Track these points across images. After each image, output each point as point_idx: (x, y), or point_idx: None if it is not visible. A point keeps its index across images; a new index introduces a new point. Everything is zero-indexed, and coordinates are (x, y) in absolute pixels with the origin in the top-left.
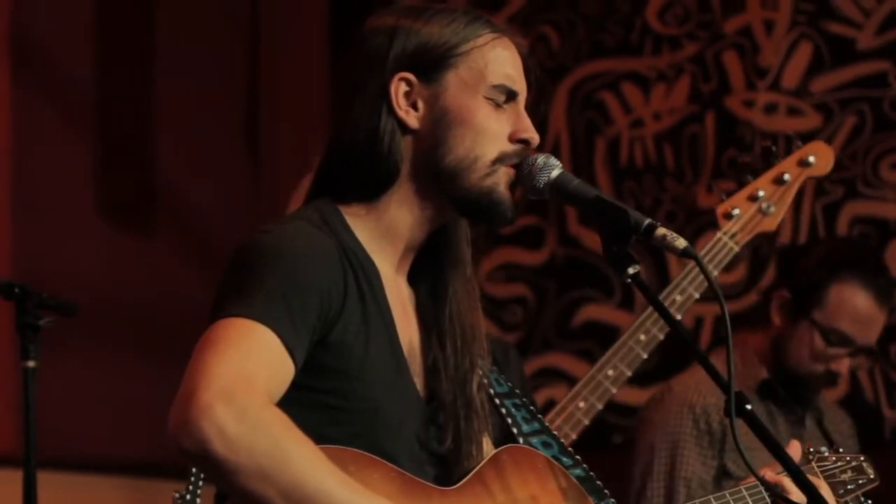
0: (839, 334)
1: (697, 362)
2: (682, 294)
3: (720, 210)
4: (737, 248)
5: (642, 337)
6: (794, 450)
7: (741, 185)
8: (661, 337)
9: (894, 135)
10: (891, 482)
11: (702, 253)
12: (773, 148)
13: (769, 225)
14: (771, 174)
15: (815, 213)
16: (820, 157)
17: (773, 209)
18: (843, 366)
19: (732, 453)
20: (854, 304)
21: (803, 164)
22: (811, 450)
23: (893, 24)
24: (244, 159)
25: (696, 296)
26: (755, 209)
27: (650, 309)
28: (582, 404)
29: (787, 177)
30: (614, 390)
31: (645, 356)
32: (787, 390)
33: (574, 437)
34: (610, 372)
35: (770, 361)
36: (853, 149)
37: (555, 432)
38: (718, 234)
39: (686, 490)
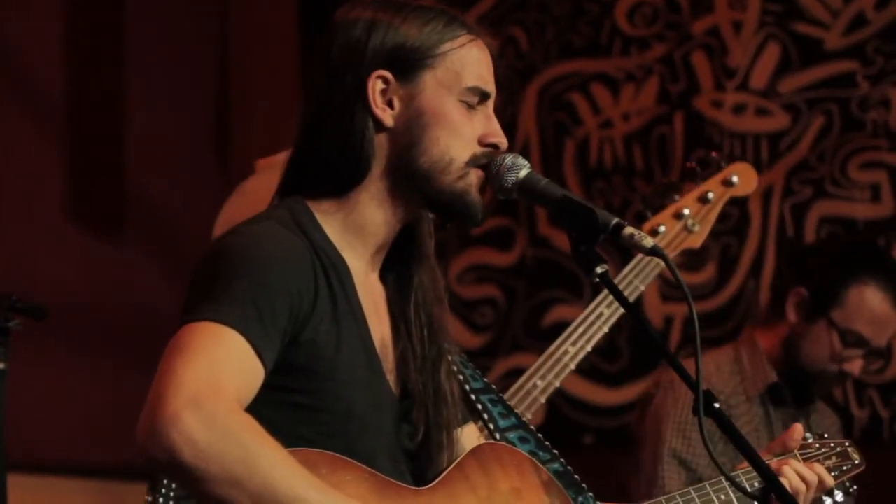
0: (856, 335)
1: (664, 359)
2: (630, 286)
3: (646, 227)
4: (661, 266)
5: (605, 311)
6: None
7: (668, 202)
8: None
9: (862, 135)
10: (861, 483)
11: (629, 268)
12: (698, 169)
13: (694, 242)
14: (696, 192)
15: (783, 212)
16: (743, 178)
17: (697, 227)
18: (856, 366)
19: (732, 452)
20: (872, 307)
21: (727, 183)
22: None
23: (860, 24)
24: (214, 164)
25: (642, 288)
26: (680, 227)
27: (591, 307)
28: (539, 382)
29: (710, 195)
30: (573, 366)
31: (606, 330)
32: (796, 389)
33: (529, 415)
34: (570, 348)
35: (780, 359)
36: (821, 149)
37: (531, 427)
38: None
39: (695, 472)
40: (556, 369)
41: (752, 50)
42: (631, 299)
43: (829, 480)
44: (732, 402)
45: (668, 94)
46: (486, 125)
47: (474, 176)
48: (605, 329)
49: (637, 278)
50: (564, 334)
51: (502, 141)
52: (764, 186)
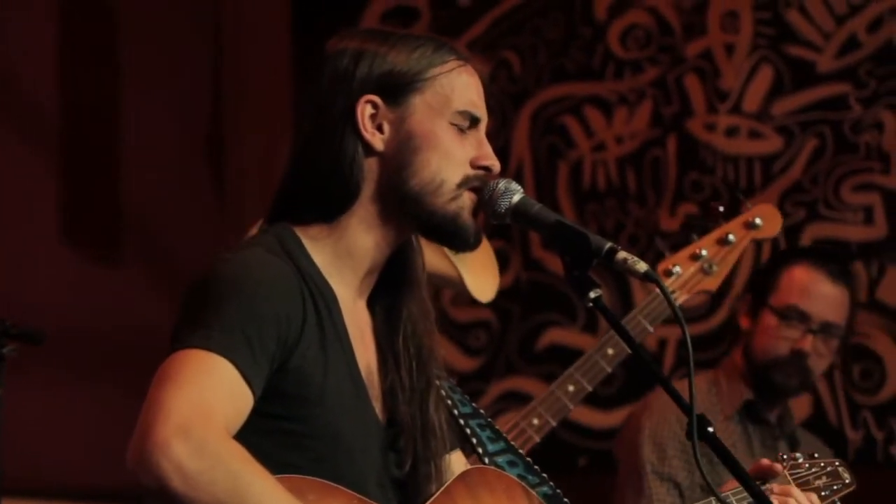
0: (793, 309)
1: (659, 384)
2: (615, 347)
3: (661, 267)
4: (676, 303)
5: (610, 351)
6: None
7: (687, 241)
8: (629, 350)
9: (855, 157)
10: (858, 503)
11: (638, 308)
12: (721, 209)
13: (710, 284)
14: (715, 234)
15: (776, 235)
16: (767, 220)
17: (715, 269)
18: (806, 343)
19: (707, 466)
20: (802, 279)
21: (750, 226)
22: (784, 456)
23: (853, 47)
24: (208, 182)
25: (629, 350)
26: (696, 268)
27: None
28: (536, 421)
29: (731, 237)
30: (572, 406)
31: (609, 370)
32: (766, 395)
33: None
34: (570, 388)
35: (747, 371)
36: (814, 171)
37: (520, 451)
38: (657, 290)
39: (677, 491)
40: (555, 408)
41: (745, 73)
42: (638, 339)
43: None
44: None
45: (661, 116)
46: (477, 148)
47: (467, 198)
48: (608, 369)
49: (646, 319)
50: (567, 373)
51: (494, 163)
52: None
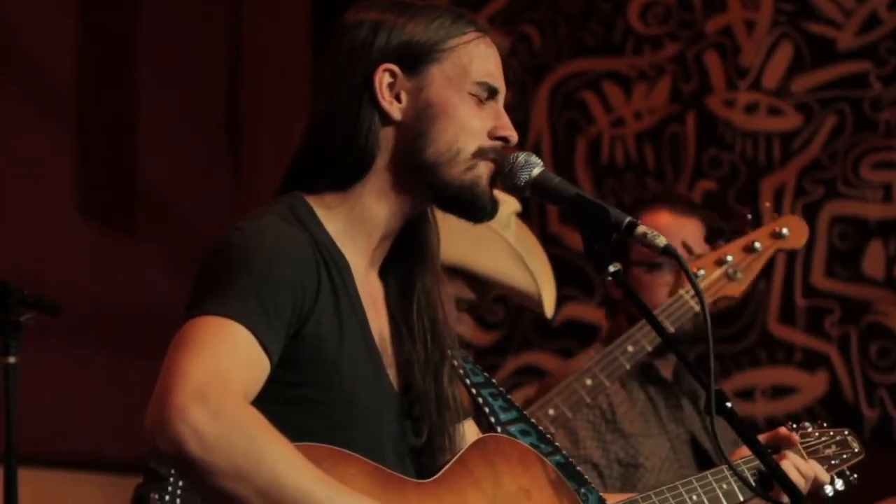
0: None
1: (683, 366)
2: (635, 345)
3: None
4: (696, 308)
5: (630, 348)
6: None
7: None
8: (650, 349)
9: (875, 135)
10: (871, 481)
11: (661, 307)
12: (749, 216)
13: (734, 290)
14: (742, 241)
15: (795, 212)
16: (793, 231)
17: (740, 275)
18: (684, 281)
19: (622, 440)
20: (654, 224)
21: (776, 235)
22: (794, 426)
23: (874, 24)
24: (225, 159)
25: (649, 348)
26: (721, 272)
27: (642, 321)
28: (552, 411)
29: (758, 245)
30: (589, 400)
31: (628, 367)
32: (661, 349)
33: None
34: (588, 381)
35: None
36: (833, 149)
37: (532, 420)
38: (681, 292)
39: (596, 472)
40: (572, 400)
41: (765, 49)
42: (636, 359)
43: (825, 477)
44: (611, 391)
45: (680, 93)
46: (495, 119)
47: (483, 168)
48: (628, 366)
49: (668, 319)
50: (586, 367)
51: (512, 134)
52: (776, 186)
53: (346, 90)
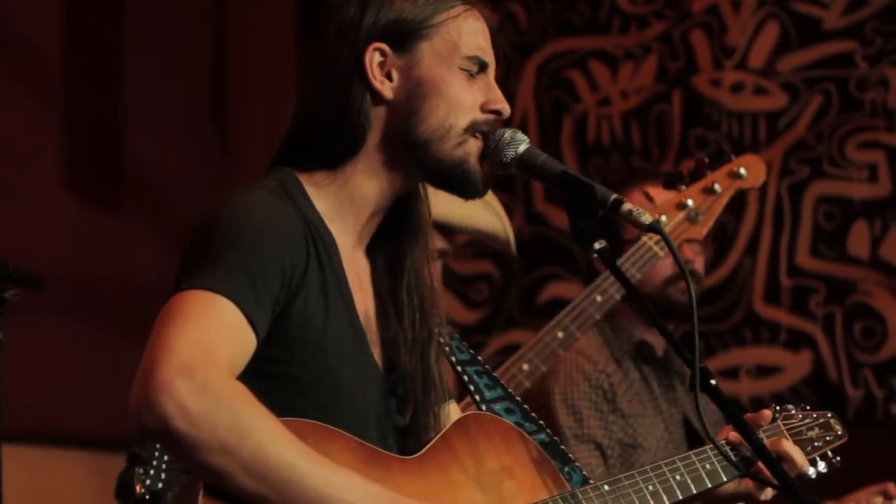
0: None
1: (661, 334)
2: (603, 294)
3: None
4: (661, 254)
5: (598, 298)
6: (765, 414)
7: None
8: (618, 297)
9: (860, 115)
10: (854, 462)
11: (626, 255)
12: (707, 160)
13: (697, 233)
14: (701, 184)
15: (780, 192)
16: (751, 170)
17: (701, 217)
18: (686, 251)
19: (621, 420)
20: (645, 200)
21: (734, 175)
22: (777, 408)
23: (860, 4)
24: (212, 134)
25: (618, 297)
26: (683, 216)
27: (607, 272)
28: (526, 366)
29: (717, 187)
30: (562, 352)
31: (598, 317)
32: (667, 317)
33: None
34: (559, 334)
35: (636, 313)
36: (819, 128)
37: (517, 399)
38: (643, 239)
39: (599, 451)
40: (544, 354)
41: (751, 29)
42: (605, 308)
43: (801, 462)
44: (610, 370)
45: (666, 72)
46: (486, 93)
47: (473, 144)
48: (597, 316)
49: (634, 266)
50: (555, 320)
51: (504, 107)
52: None
53: (337, 70)
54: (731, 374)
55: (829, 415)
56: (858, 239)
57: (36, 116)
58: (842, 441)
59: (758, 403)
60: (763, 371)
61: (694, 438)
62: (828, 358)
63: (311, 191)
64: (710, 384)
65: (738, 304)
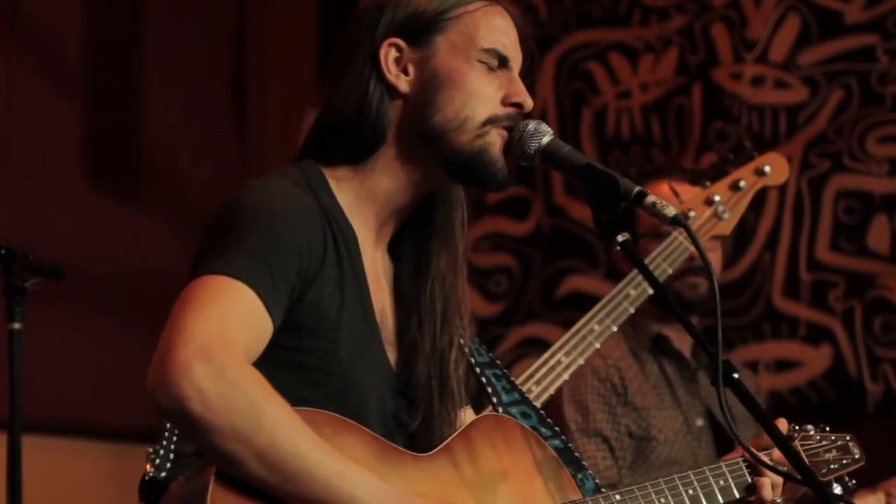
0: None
1: (684, 327)
2: (636, 289)
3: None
4: (691, 248)
5: (632, 292)
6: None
7: (700, 184)
8: (651, 292)
9: (881, 109)
10: (874, 456)
11: (656, 251)
12: (731, 156)
13: (724, 229)
14: (728, 180)
15: (800, 186)
16: (775, 168)
17: (727, 214)
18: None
19: (633, 413)
20: (658, 194)
21: (759, 173)
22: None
23: None
24: (231, 124)
25: (651, 291)
26: (710, 212)
27: None
28: (564, 358)
29: (742, 184)
30: (597, 345)
31: (632, 311)
32: (683, 309)
33: (552, 391)
34: (595, 327)
35: (653, 307)
36: (840, 122)
37: (534, 404)
38: (674, 234)
39: (606, 445)
40: (581, 347)
41: (772, 22)
42: (639, 302)
43: (766, 494)
44: (623, 365)
45: (686, 65)
46: (508, 86)
47: (495, 135)
48: (632, 310)
49: (665, 261)
50: (591, 312)
51: (526, 100)
52: None
53: (355, 68)
54: (751, 368)
55: (848, 437)
56: (878, 233)
57: (57, 108)
58: (859, 465)
59: (777, 398)
60: (782, 365)
61: (720, 431)
62: (847, 352)
63: (333, 184)
64: (732, 378)
65: (758, 299)
